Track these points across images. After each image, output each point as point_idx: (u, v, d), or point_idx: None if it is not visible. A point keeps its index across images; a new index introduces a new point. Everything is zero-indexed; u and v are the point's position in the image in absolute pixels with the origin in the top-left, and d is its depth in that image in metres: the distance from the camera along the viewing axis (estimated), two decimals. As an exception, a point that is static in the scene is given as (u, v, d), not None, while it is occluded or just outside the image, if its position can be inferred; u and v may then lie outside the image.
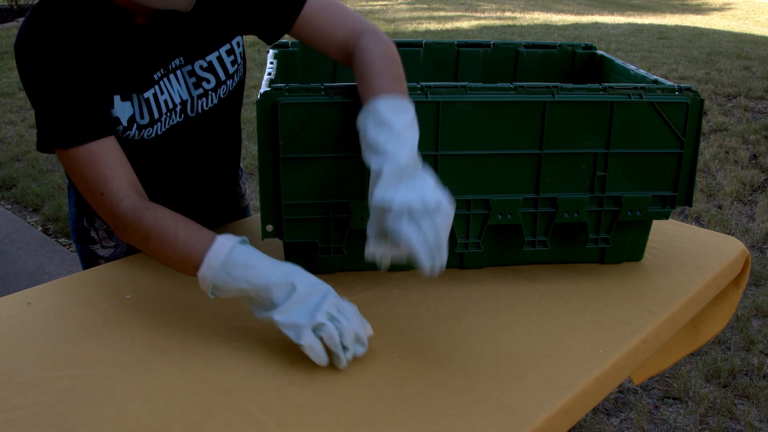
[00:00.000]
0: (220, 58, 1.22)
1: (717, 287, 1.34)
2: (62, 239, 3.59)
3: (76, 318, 1.11)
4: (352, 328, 0.96)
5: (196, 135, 1.27)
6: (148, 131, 1.17)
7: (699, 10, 11.79)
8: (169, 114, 1.19)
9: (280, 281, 0.97)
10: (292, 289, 0.97)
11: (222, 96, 1.26)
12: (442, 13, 10.37)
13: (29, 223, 3.77)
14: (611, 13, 10.80)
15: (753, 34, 8.76)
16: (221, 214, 1.50)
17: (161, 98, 1.16)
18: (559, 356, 1.04)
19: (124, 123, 1.14)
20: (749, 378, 2.35)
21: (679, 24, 9.59)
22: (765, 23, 10.06)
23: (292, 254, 1.25)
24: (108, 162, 1.09)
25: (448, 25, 9.21)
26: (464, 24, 9.36)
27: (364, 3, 11.41)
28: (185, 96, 1.20)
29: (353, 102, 1.12)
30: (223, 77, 1.23)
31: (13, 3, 10.22)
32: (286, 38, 1.30)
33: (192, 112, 1.23)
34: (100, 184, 1.08)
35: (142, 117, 1.15)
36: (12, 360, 1.00)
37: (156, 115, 1.17)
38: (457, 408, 0.92)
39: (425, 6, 11.15)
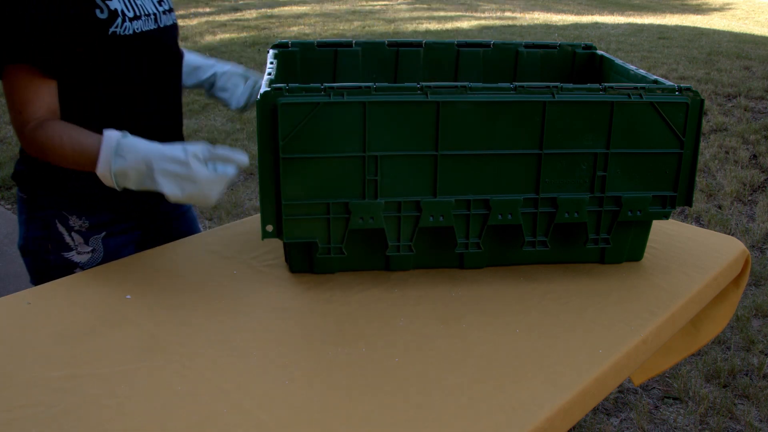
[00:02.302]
0: None
1: (717, 287, 1.34)
2: (62, 239, 3.58)
3: (76, 318, 1.11)
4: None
5: (163, 52, 1.36)
6: (136, 24, 1.28)
7: (699, 10, 11.79)
8: (147, 18, 1.31)
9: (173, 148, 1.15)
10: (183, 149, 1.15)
11: (174, 22, 1.40)
12: (442, 13, 10.37)
13: (29, 223, 3.76)
14: (611, 13, 10.80)
15: (753, 34, 8.76)
16: None
17: (139, 1, 1.30)
18: (559, 356, 1.04)
19: (120, 14, 1.24)
20: (749, 378, 2.35)
21: (679, 24, 9.59)
22: (765, 23, 10.06)
23: (292, 254, 1.25)
24: (39, 87, 1.20)
25: (448, 25, 9.21)
26: (464, 24, 9.36)
27: (364, 3, 11.41)
28: (153, 10, 1.33)
29: (354, 102, 1.13)
30: (169, 5, 1.40)
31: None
32: (286, 38, 1.30)
33: (161, 23, 1.34)
34: (19, 104, 1.20)
35: (128, 10, 1.26)
36: (12, 360, 1.00)
37: (138, 12, 1.29)
38: (457, 408, 0.92)
39: (425, 6, 11.15)
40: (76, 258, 1.35)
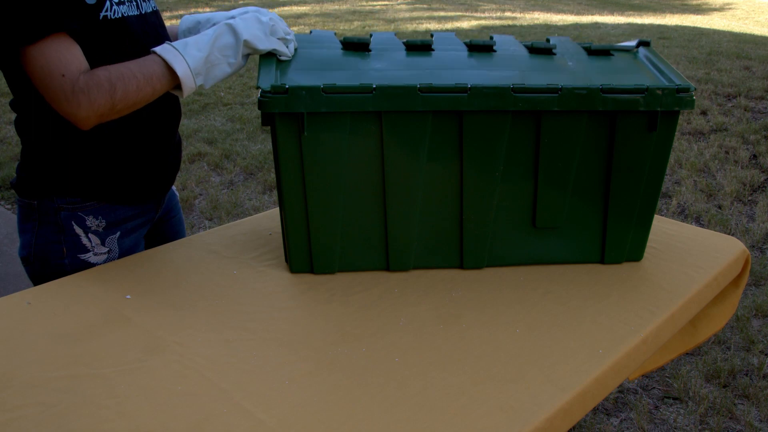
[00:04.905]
0: None
1: (717, 287, 1.34)
2: (62, 239, 3.58)
3: (76, 318, 1.11)
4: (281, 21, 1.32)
5: (149, 37, 1.32)
6: (122, 8, 1.26)
7: (699, 10, 11.79)
8: (129, 4, 1.28)
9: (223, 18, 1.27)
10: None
11: (154, 8, 1.38)
12: (442, 13, 10.37)
13: (29, 223, 3.76)
14: (611, 13, 10.80)
15: (753, 34, 8.76)
16: (159, 161, 1.42)
17: None
18: (559, 356, 1.04)
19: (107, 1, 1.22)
20: (749, 378, 2.35)
21: (679, 24, 9.60)
22: (765, 23, 10.06)
23: (292, 254, 1.25)
24: (69, 49, 1.16)
25: (448, 25, 9.21)
26: (464, 24, 9.36)
27: (364, 3, 11.41)
28: None
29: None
30: None
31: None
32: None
33: (141, 10, 1.31)
34: (61, 67, 1.14)
35: None
36: (12, 360, 1.00)
37: None
38: (457, 408, 0.92)
39: (425, 6, 11.15)
40: (93, 259, 1.33)
